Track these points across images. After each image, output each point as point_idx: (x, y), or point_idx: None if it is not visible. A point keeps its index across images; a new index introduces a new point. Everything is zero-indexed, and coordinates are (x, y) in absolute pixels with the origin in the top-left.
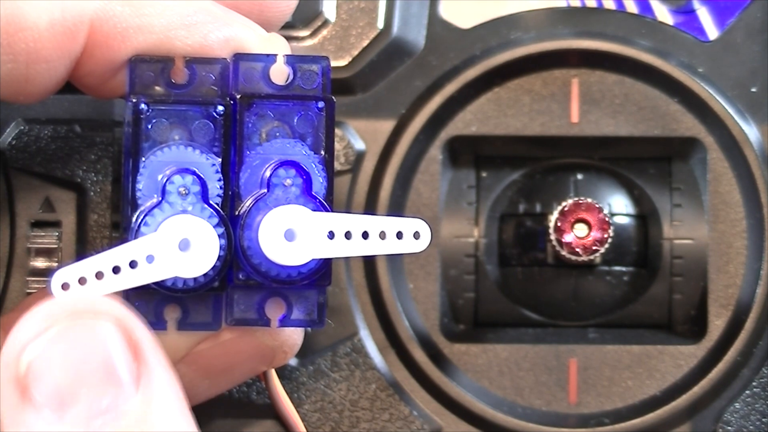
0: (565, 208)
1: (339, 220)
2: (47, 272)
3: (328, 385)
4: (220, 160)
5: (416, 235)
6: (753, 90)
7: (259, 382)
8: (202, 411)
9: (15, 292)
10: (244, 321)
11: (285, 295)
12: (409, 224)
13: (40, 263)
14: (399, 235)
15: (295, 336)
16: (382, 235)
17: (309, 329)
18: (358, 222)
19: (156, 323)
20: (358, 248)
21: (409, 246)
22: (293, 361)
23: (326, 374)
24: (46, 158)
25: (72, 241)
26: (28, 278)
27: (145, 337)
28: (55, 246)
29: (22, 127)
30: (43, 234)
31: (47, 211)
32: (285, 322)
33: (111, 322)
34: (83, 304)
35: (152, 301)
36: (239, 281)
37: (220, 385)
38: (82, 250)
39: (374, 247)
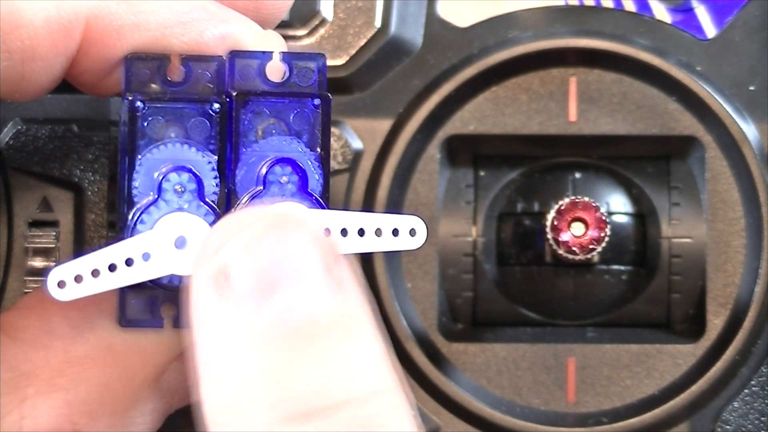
0: (562, 207)
1: (335, 217)
2: (45, 272)
3: None
4: (216, 157)
5: (412, 232)
6: (751, 88)
7: None
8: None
9: (13, 291)
10: None
11: None
12: (405, 221)
13: (37, 263)
14: (395, 232)
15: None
16: (378, 232)
17: None
18: (354, 219)
19: (152, 321)
20: (354, 245)
21: (405, 243)
22: None
23: None
24: (44, 158)
25: (69, 241)
26: (25, 278)
27: (341, 248)
28: (53, 245)
29: (20, 127)
30: (40, 233)
31: (45, 211)
32: None
33: (313, 230)
34: (283, 208)
35: (149, 298)
36: None
37: None
38: (80, 250)
39: (370, 244)
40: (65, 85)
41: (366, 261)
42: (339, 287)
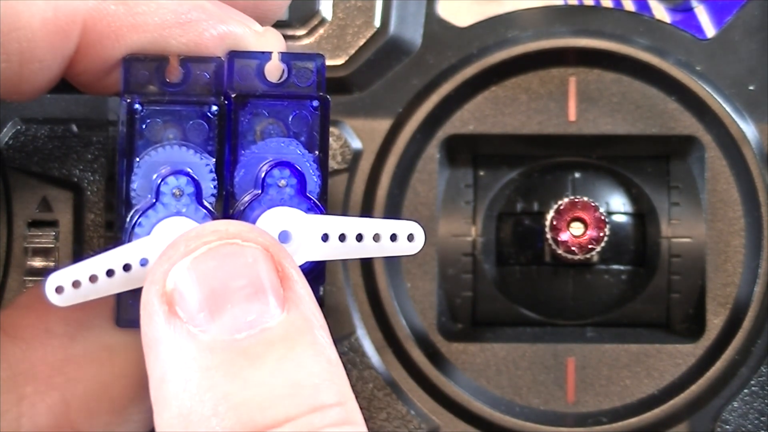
0: (561, 207)
1: (333, 223)
2: (44, 271)
3: None
4: (214, 160)
5: (410, 238)
6: (751, 88)
7: None
8: None
9: (12, 291)
10: None
11: None
12: (403, 227)
13: (37, 263)
14: (393, 238)
15: None
16: (376, 238)
17: None
18: (352, 224)
19: None
20: (352, 251)
21: (403, 248)
22: None
23: None
24: (43, 158)
25: (69, 241)
26: (25, 278)
27: (293, 266)
28: (52, 245)
29: (19, 127)
30: (40, 233)
31: (44, 211)
32: None
33: (259, 246)
34: (233, 227)
35: None
36: None
37: None
38: (79, 250)
39: (368, 250)
40: (64, 85)
41: (366, 261)
42: (286, 302)
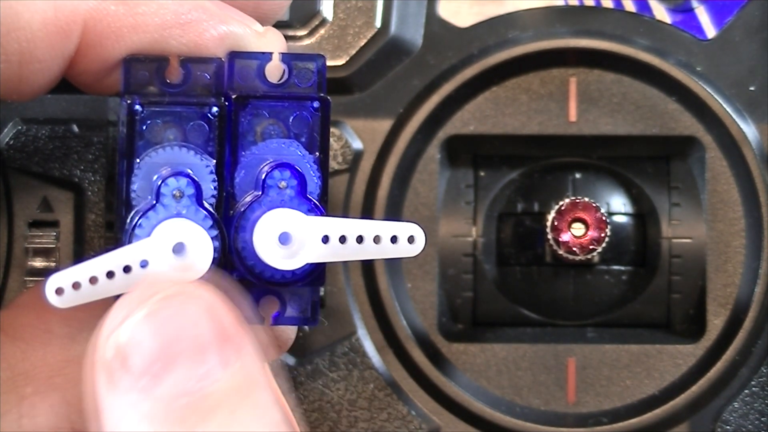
0: (562, 207)
1: (334, 225)
2: (45, 272)
3: (326, 385)
4: (214, 161)
5: (411, 240)
6: (751, 89)
7: None
8: None
9: (13, 292)
10: None
11: (279, 293)
12: (403, 228)
13: (38, 263)
14: (393, 240)
15: (288, 331)
16: (377, 240)
17: (307, 328)
18: (352, 226)
19: None
20: (352, 252)
21: (403, 250)
22: (291, 361)
23: (324, 374)
24: (44, 158)
25: (70, 241)
26: (26, 278)
27: (236, 322)
28: (53, 246)
29: (20, 127)
30: (40, 234)
31: (45, 211)
32: (279, 320)
33: (201, 305)
34: (174, 287)
35: None
36: None
37: None
38: (80, 250)
39: (369, 252)
40: (65, 85)
41: (366, 261)
42: (232, 358)
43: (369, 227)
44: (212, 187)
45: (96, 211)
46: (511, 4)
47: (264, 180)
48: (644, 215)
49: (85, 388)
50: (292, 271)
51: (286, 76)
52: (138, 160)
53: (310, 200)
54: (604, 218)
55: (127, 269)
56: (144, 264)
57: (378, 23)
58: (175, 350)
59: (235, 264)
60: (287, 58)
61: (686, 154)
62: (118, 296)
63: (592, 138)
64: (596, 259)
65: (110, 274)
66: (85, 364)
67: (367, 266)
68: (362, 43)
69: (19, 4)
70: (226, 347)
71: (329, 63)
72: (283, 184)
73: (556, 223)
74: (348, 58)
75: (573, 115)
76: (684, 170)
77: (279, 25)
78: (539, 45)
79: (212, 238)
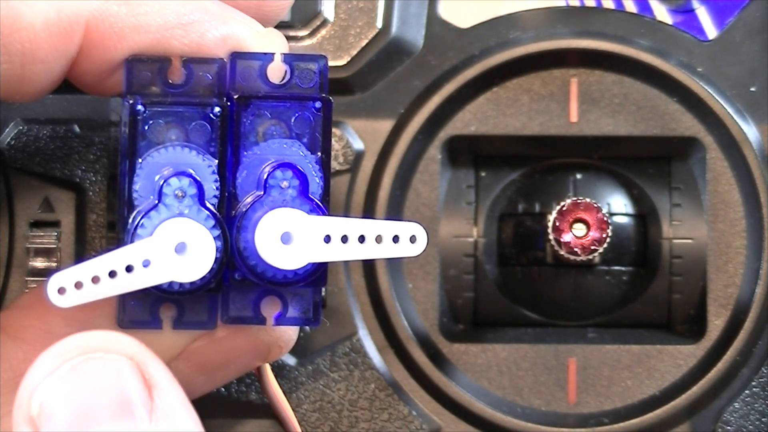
0: (564, 208)
1: (335, 224)
2: (46, 272)
3: (327, 385)
4: (216, 161)
5: (413, 239)
6: (752, 89)
7: (258, 382)
8: (200, 409)
9: (14, 292)
10: (239, 319)
11: (280, 293)
12: (405, 228)
13: (39, 263)
14: (395, 239)
15: (290, 332)
16: (379, 239)
17: (308, 328)
18: (354, 226)
19: (152, 322)
20: (354, 252)
21: (405, 250)
22: (292, 361)
23: (325, 374)
24: (45, 158)
25: (71, 241)
26: (27, 278)
27: (160, 371)
28: (54, 246)
29: (21, 127)
30: (42, 234)
31: (46, 211)
32: (280, 320)
33: (123, 357)
34: (95, 340)
35: (148, 300)
36: (235, 281)
37: (216, 381)
38: (81, 250)
39: (370, 251)
40: (66, 86)
41: (368, 261)
42: (154, 414)
43: (371, 227)
44: (214, 187)
45: (97, 211)
46: (512, 5)
47: (266, 180)
48: (645, 216)
49: None
50: (294, 271)
51: (287, 77)
52: (140, 160)
53: (312, 200)
54: (605, 219)
55: (129, 269)
56: (146, 263)
57: (379, 24)
58: (101, 405)
59: (237, 264)
60: (289, 58)
61: (687, 155)
62: (120, 296)
63: (593, 138)
64: (597, 259)
65: (112, 274)
66: (13, 417)
67: (369, 267)
68: (363, 44)
69: (22, 5)
70: (153, 397)
71: (330, 63)
72: (285, 184)
73: (557, 224)
74: (349, 59)
75: (574, 115)
76: (685, 171)
77: (280, 26)
78: (540, 45)
79: (214, 238)
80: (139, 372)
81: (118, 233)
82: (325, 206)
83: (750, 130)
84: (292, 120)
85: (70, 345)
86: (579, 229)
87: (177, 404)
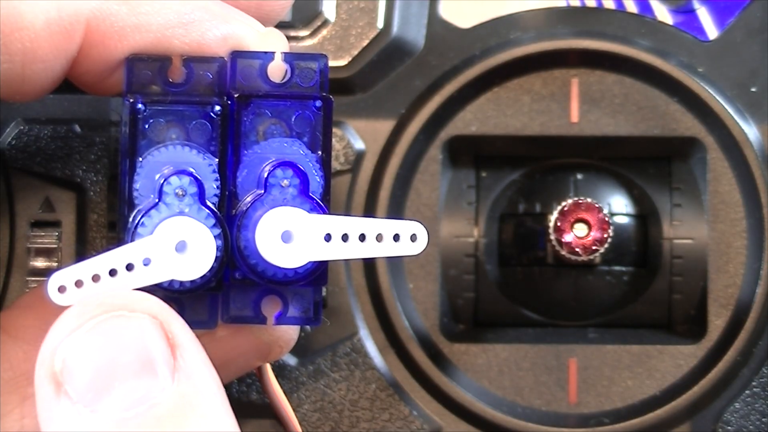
0: (565, 208)
1: (336, 223)
2: (47, 272)
3: (328, 385)
4: (217, 160)
5: (413, 238)
6: (753, 90)
7: (259, 382)
8: None
9: (15, 292)
10: (240, 319)
11: (281, 292)
12: (406, 227)
13: (39, 263)
14: (396, 238)
15: (290, 331)
16: (379, 238)
17: (309, 327)
18: (355, 224)
19: None
20: (354, 251)
21: (406, 249)
22: (293, 361)
23: (326, 374)
24: (46, 158)
25: (72, 241)
26: (28, 278)
27: (183, 331)
28: (55, 246)
29: (22, 127)
30: (42, 234)
31: (47, 211)
32: (281, 319)
33: (147, 316)
34: (119, 299)
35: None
36: (235, 280)
37: None
38: (82, 250)
39: (371, 250)
40: (67, 85)
41: (368, 261)
42: (177, 373)
43: (371, 225)
44: (215, 186)
45: (98, 211)
46: (513, 5)
47: (266, 179)
48: (646, 216)
49: (36, 399)
50: (295, 270)
51: (288, 76)
52: (140, 159)
53: (313, 199)
54: (606, 219)
55: (129, 267)
56: (147, 262)
57: (380, 24)
58: (124, 362)
59: (238, 263)
60: (289, 57)
61: (688, 155)
62: None
63: (593, 139)
64: (598, 259)
65: (113, 272)
66: (35, 376)
67: (369, 266)
68: (364, 44)
69: (22, 4)
70: (175, 356)
71: (331, 64)
72: (285, 182)
73: (558, 224)
74: (350, 59)
75: (575, 115)
76: (685, 171)
77: (281, 26)
78: (541, 46)
79: (215, 237)
80: (162, 331)
81: (118, 232)
82: (325, 205)
83: (750, 131)
84: (293, 119)
85: (94, 303)
86: (580, 229)
87: (200, 364)
